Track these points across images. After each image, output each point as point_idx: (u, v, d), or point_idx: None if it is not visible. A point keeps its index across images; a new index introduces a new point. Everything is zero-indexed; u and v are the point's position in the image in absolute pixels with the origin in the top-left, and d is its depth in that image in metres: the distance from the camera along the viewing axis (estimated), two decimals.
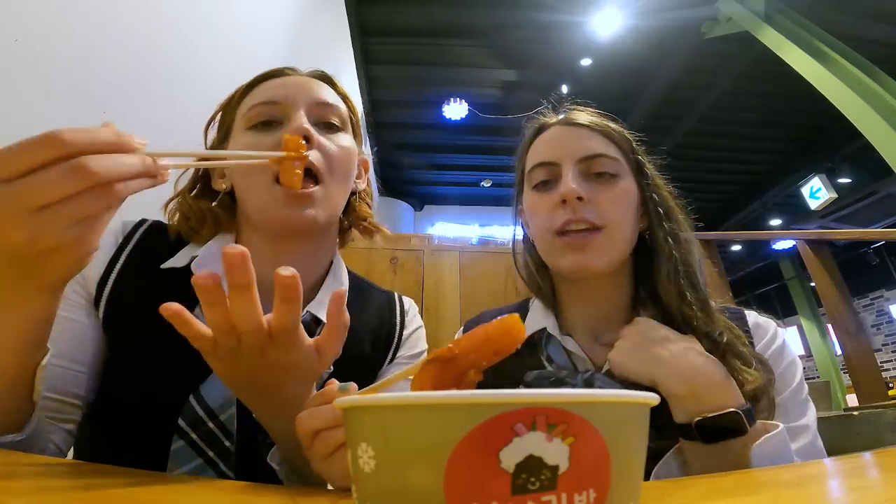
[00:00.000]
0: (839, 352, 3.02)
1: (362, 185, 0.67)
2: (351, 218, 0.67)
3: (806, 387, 0.58)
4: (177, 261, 0.54)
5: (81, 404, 0.49)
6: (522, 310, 0.70)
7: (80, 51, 0.92)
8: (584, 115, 0.65)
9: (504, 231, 4.43)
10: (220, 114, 0.63)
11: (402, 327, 0.67)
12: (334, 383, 0.37)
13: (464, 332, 0.70)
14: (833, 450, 0.54)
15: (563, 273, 0.62)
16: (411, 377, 0.27)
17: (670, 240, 0.60)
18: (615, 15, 4.85)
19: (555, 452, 0.16)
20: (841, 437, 1.73)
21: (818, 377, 8.50)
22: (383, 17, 4.93)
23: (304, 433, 0.36)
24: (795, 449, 0.51)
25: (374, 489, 0.18)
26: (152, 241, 0.56)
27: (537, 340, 0.63)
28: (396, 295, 0.71)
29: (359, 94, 5.65)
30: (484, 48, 5.43)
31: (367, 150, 0.72)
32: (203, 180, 0.61)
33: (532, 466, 0.16)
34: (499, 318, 0.29)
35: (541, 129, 0.67)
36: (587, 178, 0.60)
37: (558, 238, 0.59)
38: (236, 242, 0.59)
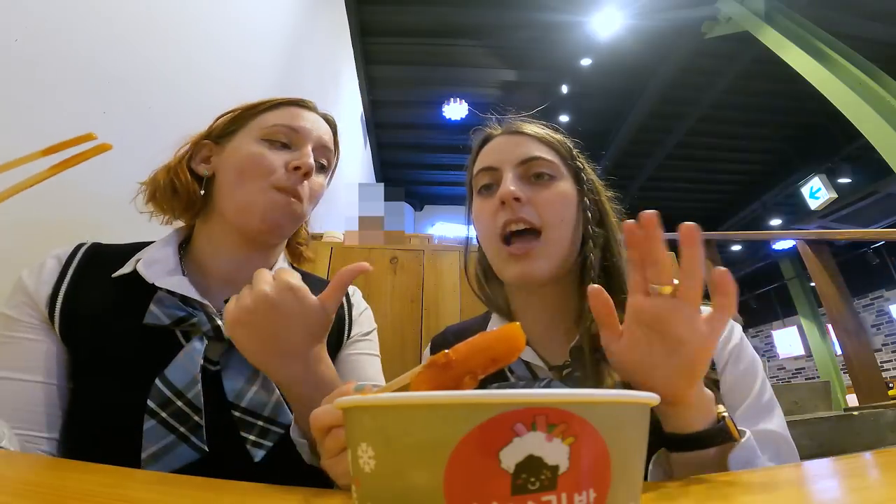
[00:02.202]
0: (839, 352, 3.01)
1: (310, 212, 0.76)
2: (292, 238, 0.75)
3: (769, 388, 0.54)
4: (126, 268, 0.58)
5: (60, 412, 0.52)
6: (484, 322, 0.71)
7: (79, 51, 0.92)
8: (526, 126, 0.68)
9: None
10: (239, 111, 0.67)
11: (350, 307, 0.72)
12: (352, 383, 0.39)
13: (431, 351, 0.72)
14: (833, 450, 0.53)
15: (510, 283, 0.64)
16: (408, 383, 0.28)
17: (595, 246, 0.61)
18: (615, 15, 4.86)
19: (555, 452, 0.16)
20: (841, 437, 1.72)
21: (818, 377, 8.51)
22: (383, 17, 4.93)
23: (316, 429, 0.36)
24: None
25: (374, 489, 0.18)
26: (97, 256, 0.61)
27: None
28: None
29: (359, 93, 5.64)
30: (484, 48, 5.43)
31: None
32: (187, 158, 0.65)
33: (532, 466, 0.16)
34: (501, 325, 0.29)
35: (486, 139, 0.70)
36: (526, 181, 0.63)
37: (503, 248, 0.61)
38: (193, 236, 0.66)
